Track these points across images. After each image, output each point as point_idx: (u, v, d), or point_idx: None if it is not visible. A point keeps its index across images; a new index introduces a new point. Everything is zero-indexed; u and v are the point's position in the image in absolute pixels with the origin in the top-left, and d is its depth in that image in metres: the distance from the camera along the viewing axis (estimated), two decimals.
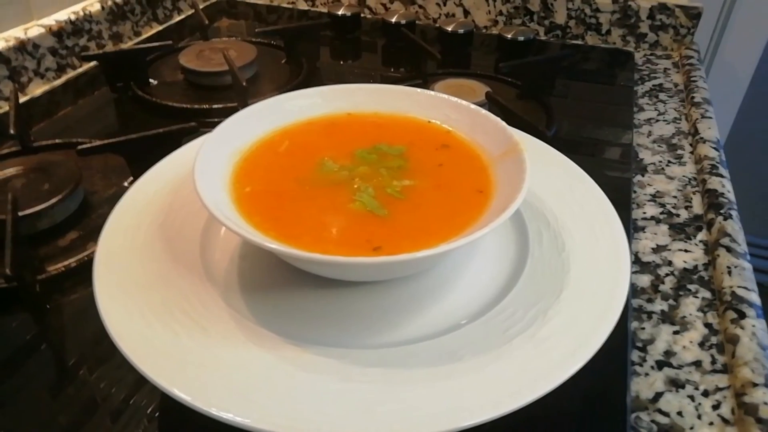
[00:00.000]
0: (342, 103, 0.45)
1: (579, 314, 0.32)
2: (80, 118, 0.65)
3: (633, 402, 0.35)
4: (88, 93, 0.69)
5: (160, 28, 0.87)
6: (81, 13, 0.73)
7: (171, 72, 0.72)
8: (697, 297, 0.42)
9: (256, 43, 0.77)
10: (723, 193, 0.51)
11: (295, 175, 0.39)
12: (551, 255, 0.37)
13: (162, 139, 0.51)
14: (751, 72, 0.92)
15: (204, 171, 0.35)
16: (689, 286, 0.43)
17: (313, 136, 0.43)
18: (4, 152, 0.54)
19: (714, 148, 0.58)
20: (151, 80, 0.70)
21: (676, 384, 0.36)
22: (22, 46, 0.66)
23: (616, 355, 0.37)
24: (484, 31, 0.89)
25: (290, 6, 0.97)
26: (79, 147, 0.50)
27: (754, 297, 0.41)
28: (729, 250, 0.45)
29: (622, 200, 0.51)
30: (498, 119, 0.41)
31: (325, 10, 0.94)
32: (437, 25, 0.85)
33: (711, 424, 0.34)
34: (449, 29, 0.82)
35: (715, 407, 0.35)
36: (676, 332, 0.40)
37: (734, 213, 0.49)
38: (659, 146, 0.61)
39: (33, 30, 0.68)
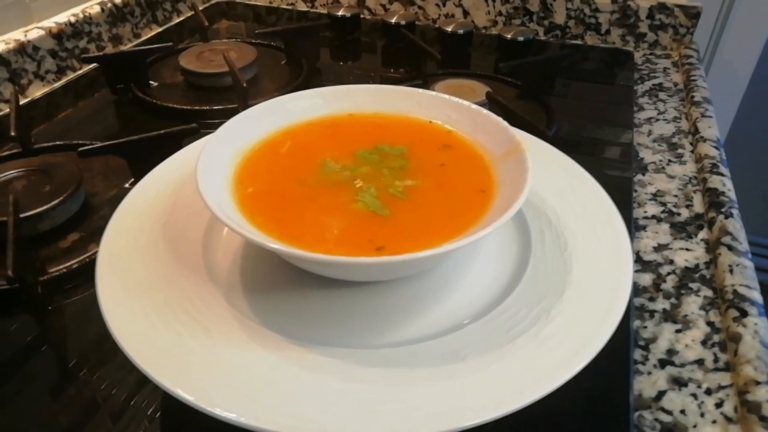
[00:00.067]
0: (343, 103, 0.45)
1: (582, 314, 0.32)
2: (81, 120, 0.65)
3: (636, 401, 0.35)
4: (88, 95, 0.70)
5: (160, 29, 0.87)
6: (81, 16, 0.73)
7: (171, 73, 0.72)
8: (698, 295, 0.43)
9: (256, 45, 0.77)
10: (724, 192, 0.51)
11: (297, 176, 0.39)
12: (554, 254, 0.37)
13: (163, 141, 0.51)
14: (751, 71, 0.92)
15: (206, 171, 0.35)
16: (691, 285, 0.43)
17: (314, 137, 0.43)
18: (5, 154, 0.54)
19: (714, 146, 0.58)
20: (151, 82, 0.70)
21: (678, 382, 0.36)
22: (22, 49, 0.66)
23: (619, 354, 0.37)
24: (483, 31, 0.89)
25: (290, 7, 0.97)
26: (81, 148, 0.50)
27: (756, 295, 0.41)
28: (730, 248, 0.45)
29: (623, 199, 0.51)
30: (499, 119, 0.41)
31: (324, 11, 0.94)
32: (437, 25, 0.85)
33: (714, 422, 0.34)
34: (449, 30, 0.82)
35: (718, 405, 0.35)
36: (678, 331, 0.40)
37: (735, 211, 0.49)
38: (659, 145, 0.61)
39: (33, 32, 0.68)
